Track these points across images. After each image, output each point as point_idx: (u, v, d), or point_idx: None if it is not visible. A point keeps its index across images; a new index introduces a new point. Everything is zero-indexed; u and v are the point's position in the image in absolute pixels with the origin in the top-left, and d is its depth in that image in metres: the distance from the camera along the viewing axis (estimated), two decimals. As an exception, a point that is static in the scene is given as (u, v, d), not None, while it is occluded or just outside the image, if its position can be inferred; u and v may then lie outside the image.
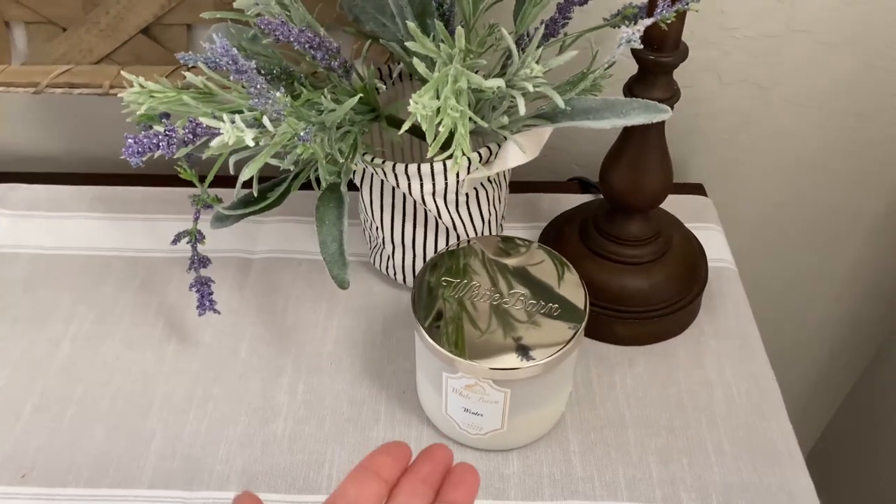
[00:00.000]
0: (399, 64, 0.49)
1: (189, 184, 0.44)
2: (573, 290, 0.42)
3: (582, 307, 0.41)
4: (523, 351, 0.39)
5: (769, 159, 0.66)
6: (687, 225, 0.55)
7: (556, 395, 0.43)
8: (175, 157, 0.36)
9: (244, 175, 0.37)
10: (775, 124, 0.64)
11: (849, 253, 0.74)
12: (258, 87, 0.34)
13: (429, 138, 0.36)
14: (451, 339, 0.39)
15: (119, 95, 0.41)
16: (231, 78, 0.35)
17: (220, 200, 0.45)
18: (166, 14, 0.56)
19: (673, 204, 0.57)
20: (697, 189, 0.62)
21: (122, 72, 0.40)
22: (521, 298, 0.41)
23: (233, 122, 0.33)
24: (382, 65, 0.51)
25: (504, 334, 0.39)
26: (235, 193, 0.45)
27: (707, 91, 0.62)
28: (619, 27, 0.45)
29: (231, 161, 0.40)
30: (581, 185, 0.63)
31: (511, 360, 0.38)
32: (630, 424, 0.45)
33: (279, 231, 0.57)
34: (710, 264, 0.53)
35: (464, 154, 0.35)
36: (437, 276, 0.42)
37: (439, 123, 0.35)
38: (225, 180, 0.43)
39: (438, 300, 0.41)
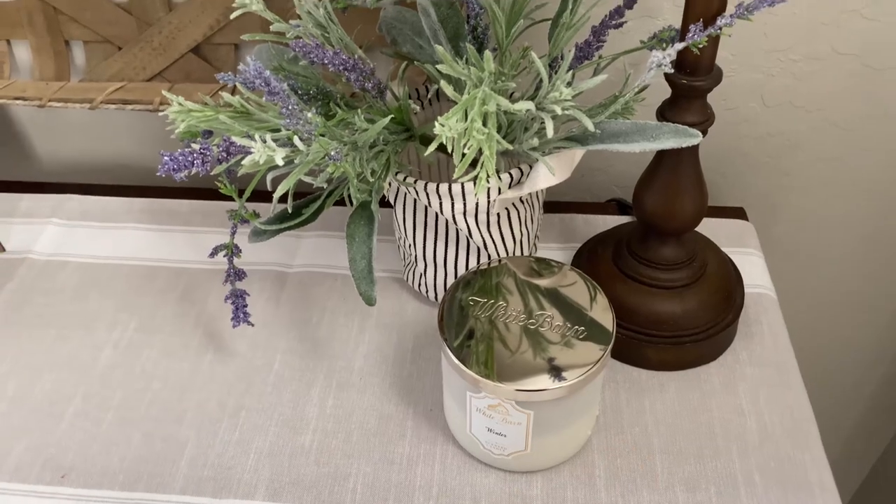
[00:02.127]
0: (435, 85, 0.49)
1: (230, 198, 0.46)
2: (602, 313, 0.41)
3: (610, 330, 0.41)
4: (547, 372, 0.39)
5: (813, 183, 0.65)
6: (726, 249, 0.54)
7: (582, 418, 0.42)
8: (212, 173, 0.37)
9: (278, 192, 0.38)
10: (820, 148, 0.62)
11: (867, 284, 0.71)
12: (290, 107, 0.35)
13: (455, 159, 0.36)
14: (477, 358, 0.39)
15: (164, 112, 0.43)
16: (265, 98, 0.36)
17: (257, 216, 0.47)
18: (215, 34, 0.59)
19: (712, 228, 0.56)
20: (738, 213, 0.61)
21: (163, 92, 0.41)
22: (549, 320, 0.41)
23: (264, 141, 0.34)
24: (420, 86, 0.52)
25: (529, 355, 0.39)
26: (272, 208, 0.46)
27: (750, 114, 0.61)
28: (658, 47, 0.45)
29: (268, 178, 0.41)
30: (618, 207, 0.62)
31: (534, 381, 0.38)
32: (658, 451, 0.45)
33: (316, 246, 0.58)
34: (748, 290, 0.52)
35: (489, 176, 0.36)
36: (466, 295, 0.43)
37: (465, 144, 0.36)
38: (264, 195, 0.44)
39: (466, 319, 0.41)
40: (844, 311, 0.74)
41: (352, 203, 0.44)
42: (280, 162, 0.34)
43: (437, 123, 0.34)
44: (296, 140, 0.35)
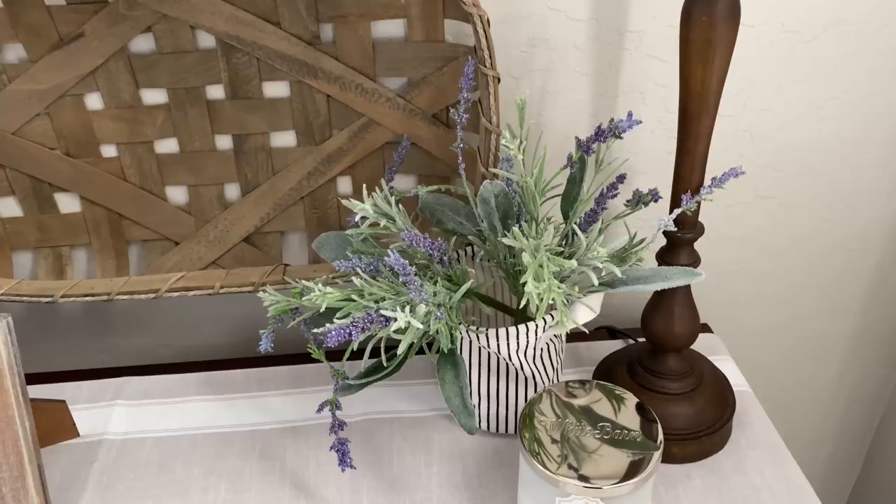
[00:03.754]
0: (479, 250, 0.61)
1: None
2: (641, 417, 0.52)
3: (655, 431, 0.51)
4: (622, 470, 0.49)
5: (758, 299, 0.80)
6: (709, 358, 0.67)
7: (644, 507, 0.52)
8: (363, 344, 0.47)
9: (402, 346, 0.48)
10: (756, 270, 0.78)
11: (832, 367, 0.87)
12: (416, 284, 0.45)
13: (533, 308, 0.48)
14: (560, 466, 0.49)
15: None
16: (400, 279, 0.47)
17: (345, 375, 0.56)
18: (264, 224, 0.69)
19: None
20: (705, 328, 0.75)
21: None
22: (607, 428, 0.51)
23: (405, 312, 0.44)
24: (461, 248, 0.63)
25: (603, 458, 0.49)
26: (341, 365, 0.55)
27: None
28: (641, 208, 0.59)
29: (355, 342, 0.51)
30: (609, 333, 0.75)
31: (613, 479, 0.48)
32: (701, 528, 0.55)
33: (367, 396, 0.67)
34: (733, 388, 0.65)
35: (557, 315, 0.47)
36: (533, 418, 0.53)
37: (542, 296, 0.47)
38: (301, 358, 0.54)
39: (541, 435, 0.51)
40: (802, 392, 0.88)
41: (429, 351, 0.54)
42: (419, 326, 0.45)
43: (529, 287, 0.46)
44: (420, 308, 0.46)
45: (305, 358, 0.63)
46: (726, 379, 0.64)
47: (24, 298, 0.65)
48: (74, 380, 0.70)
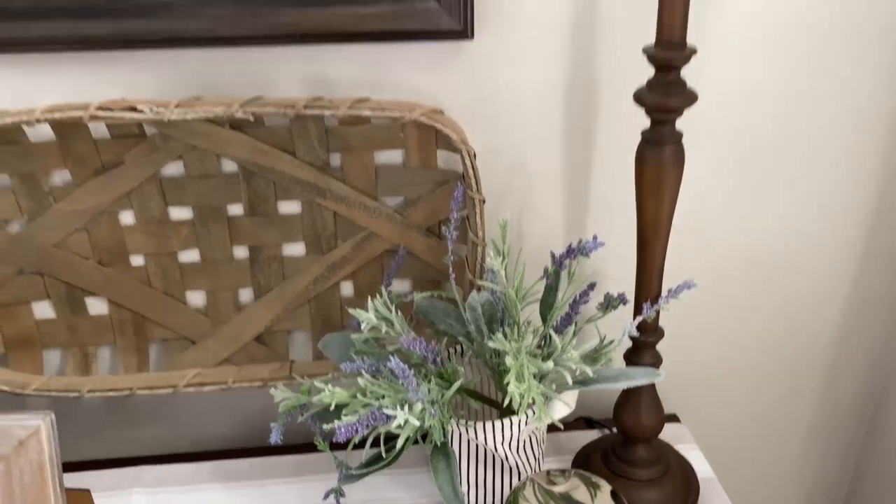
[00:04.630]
0: (467, 349, 0.69)
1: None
2: (615, 502, 0.59)
3: (626, 515, 0.58)
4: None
5: (722, 389, 0.88)
6: (676, 447, 0.73)
7: (617, 585, 0.58)
8: (365, 436, 0.53)
9: (400, 440, 0.54)
10: (720, 363, 0.86)
11: (794, 452, 0.93)
12: (413, 385, 0.53)
13: (516, 405, 0.55)
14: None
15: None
16: (400, 381, 0.54)
17: (348, 465, 0.62)
18: (274, 324, 0.76)
19: (661, 433, 0.76)
20: (674, 418, 0.82)
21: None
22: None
23: (404, 410, 0.51)
24: (451, 347, 0.70)
25: (578, 541, 0.56)
26: (344, 455, 0.62)
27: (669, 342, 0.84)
28: (611, 311, 0.67)
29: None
30: (586, 423, 0.82)
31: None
32: None
33: (367, 484, 0.72)
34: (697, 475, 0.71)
35: (537, 411, 0.54)
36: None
37: (523, 395, 0.55)
38: (304, 448, 0.61)
39: (525, 521, 0.57)
40: (762, 479, 0.95)
41: (423, 441, 0.60)
42: (416, 423, 0.52)
43: (511, 387, 0.53)
44: (417, 406, 0.53)
45: (308, 448, 0.69)
46: (691, 466, 0.71)
47: (53, 393, 0.72)
48: (95, 469, 0.75)
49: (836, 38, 0.70)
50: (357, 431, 0.52)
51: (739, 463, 0.93)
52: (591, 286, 0.67)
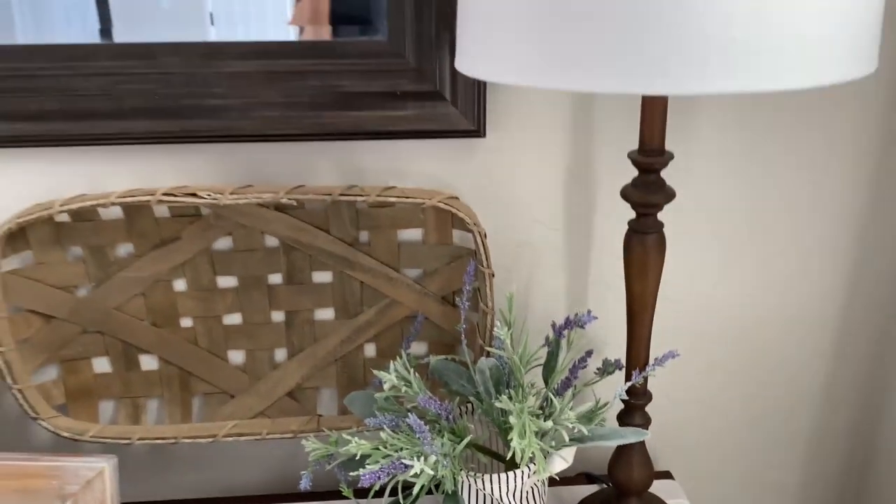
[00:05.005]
0: (476, 407, 0.77)
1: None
2: (608, 549, 0.66)
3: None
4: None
5: (711, 450, 0.95)
6: (667, 501, 0.80)
7: None
8: (381, 483, 0.62)
9: (416, 488, 0.62)
10: (709, 425, 0.93)
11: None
12: (428, 439, 0.61)
13: (518, 459, 0.63)
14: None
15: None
16: (416, 435, 0.62)
17: (369, 509, 0.70)
18: (304, 381, 0.85)
19: (656, 488, 0.83)
20: (667, 474, 0.89)
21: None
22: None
23: (420, 461, 0.60)
24: (462, 406, 0.79)
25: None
26: (367, 503, 0.69)
27: (661, 405, 0.92)
28: (608, 375, 0.75)
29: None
30: (587, 478, 0.89)
31: None
32: None
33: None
34: (687, 528, 0.78)
35: (537, 465, 0.62)
36: (521, 548, 0.66)
37: (523, 451, 0.63)
38: (330, 495, 0.68)
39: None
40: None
41: (438, 490, 0.68)
42: (430, 472, 0.60)
43: (514, 443, 0.61)
44: (431, 458, 0.61)
45: (332, 495, 0.77)
46: (680, 519, 0.78)
47: (108, 440, 0.80)
48: (140, 510, 0.83)
49: (807, 136, 0.80)
50: (379, 479, 0.60)
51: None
52: (589, 353, 0.75)
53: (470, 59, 0.55)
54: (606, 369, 0.76)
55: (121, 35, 0.72)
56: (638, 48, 0.44)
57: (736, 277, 0.86)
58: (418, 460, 0.60)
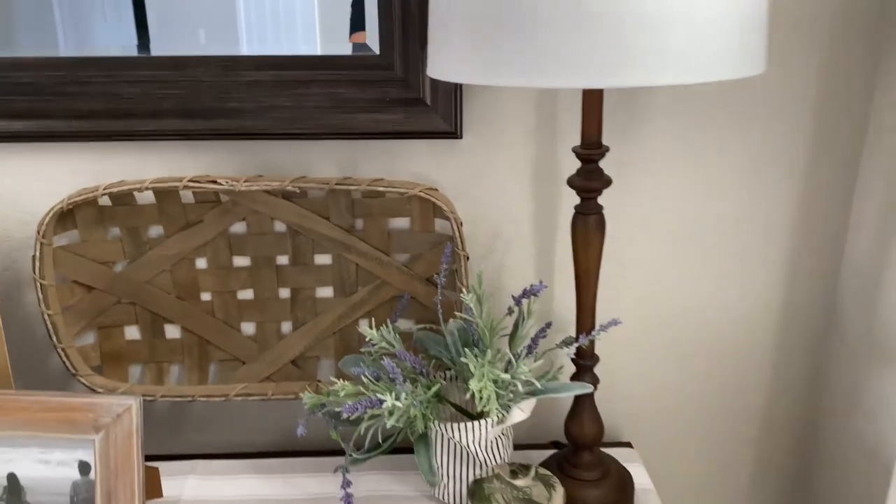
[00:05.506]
0: (450, 371, 0.88)
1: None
2: (561, 495, 0.76)
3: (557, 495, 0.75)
4: (533, 516, 0.72)
5: (668, 426, 1.05)
6: (625, 465, 0.91)
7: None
8: (352, 418, 0.74)
9: (390, 422, 0.74)
10: (666, 404, 1.03)
11: (737, 483, 1.09)
12: (401, 379, 0.73)
13: (478, 403, 0.74)
14: (493, 513, 0.73)
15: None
16: (390, 377, 0.74)
17: (353, 452, 0.81)
18: (306, 351, 0.97)
19: (616, 452, 0.94)
20: (628, 444, 0.99)
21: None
22: (531, 498, 0.76)
23: (391, 396, 0.71)
24: (441, 371, 0.90)
25: (521, 509, 0.73)
26: (350, 446, 0.81)
27: (628, 387, 1.02)
28: (567, 347, 0.86)
29: (369, 430, 0.77)
30: (554, 445, 0.99)
31: (527, 520, 0.72)
32: (598, 574, 0.77)
33: (370, 480, 0.91)
34: (637, 486, 0.88)
35: (496, 411, 0.74)
36: (481, 490, 0.77)
37: (482, 395, 0.74)
38: (323, 453, 0.80)
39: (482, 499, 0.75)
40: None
41: (411, 436, 0.80)
42: (399, 405, 0.71)
43: (471, 384, 0.73)
44: (402, 397, 0.73)
45: (325, 452, 0.89)
46: (629, 474, 0.88)
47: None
48: (160, 460, 0.96)
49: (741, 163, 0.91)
50: (357, 410, 0.72)
51: (683, 484, 1.08)
52: (548, 324, 0.87)
53: (433, 65, 0.68)
54: (566, 341, 0.87)
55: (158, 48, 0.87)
56: (555, 52, 0.57)
57: (683, 267, 0.97)
58: (390, 395, 0.72)
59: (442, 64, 0.66)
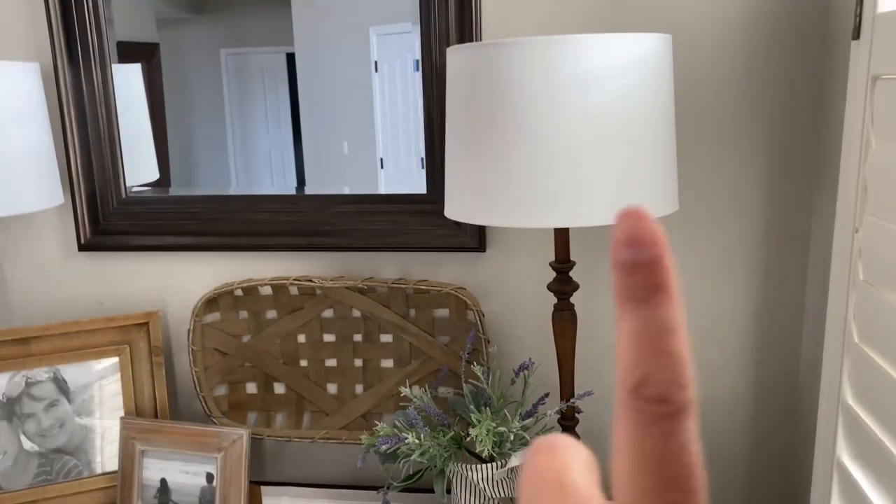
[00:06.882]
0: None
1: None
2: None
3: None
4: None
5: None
6: None
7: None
8: (387, 451, 1.04)
9: (415, 455, 1.04)
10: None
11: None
12: (420, 424, 1.03)
13: (477, 445, 1.03)
14: (485, 528, 1.00)
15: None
16: (413, 424, 1.04)
17: (392, 481, 1.11)
18: (372, 408, 1.29)
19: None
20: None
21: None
22: (515, 516, 1.02)
23: (412, 435, 1.02)
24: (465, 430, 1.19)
25: (506, 527, 0.99)
26: (387, 479, 1.11)
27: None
28: (560, 414, 1.13)
29: (406, 465, 1.07)
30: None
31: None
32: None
33: (413, 509, 1.20)
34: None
35: (490, 451, 1.02)
36: (482, 509, 1.04)
37: (479, 438, 1.02)
38: (375, 487, 1.10)
39: (481, 516, 1.02)
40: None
41: (432, 470, 1.08)
42: (418, 442, 1.01)
43: (471, 431, 1.02)
44: (422, 436, 1.03)
45: (380, 487, 1.20)
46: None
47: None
48: (263, 484, 1.29)
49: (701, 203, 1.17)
50: (388, 443, 1.02)
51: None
52: (546, 395, 1.14)
53: (448, 207, 1.01)
54: (560, 410, 1.14)
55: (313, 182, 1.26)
56: (524, 202, 0.88)
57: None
58: (411, 434, 1.02)
59: (451, 207, 0.99)
